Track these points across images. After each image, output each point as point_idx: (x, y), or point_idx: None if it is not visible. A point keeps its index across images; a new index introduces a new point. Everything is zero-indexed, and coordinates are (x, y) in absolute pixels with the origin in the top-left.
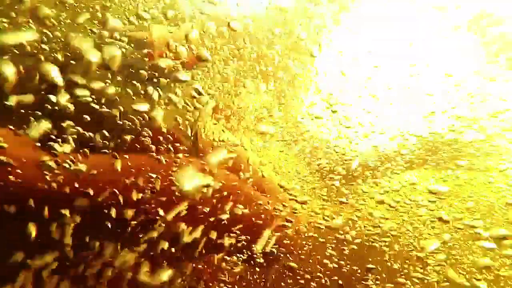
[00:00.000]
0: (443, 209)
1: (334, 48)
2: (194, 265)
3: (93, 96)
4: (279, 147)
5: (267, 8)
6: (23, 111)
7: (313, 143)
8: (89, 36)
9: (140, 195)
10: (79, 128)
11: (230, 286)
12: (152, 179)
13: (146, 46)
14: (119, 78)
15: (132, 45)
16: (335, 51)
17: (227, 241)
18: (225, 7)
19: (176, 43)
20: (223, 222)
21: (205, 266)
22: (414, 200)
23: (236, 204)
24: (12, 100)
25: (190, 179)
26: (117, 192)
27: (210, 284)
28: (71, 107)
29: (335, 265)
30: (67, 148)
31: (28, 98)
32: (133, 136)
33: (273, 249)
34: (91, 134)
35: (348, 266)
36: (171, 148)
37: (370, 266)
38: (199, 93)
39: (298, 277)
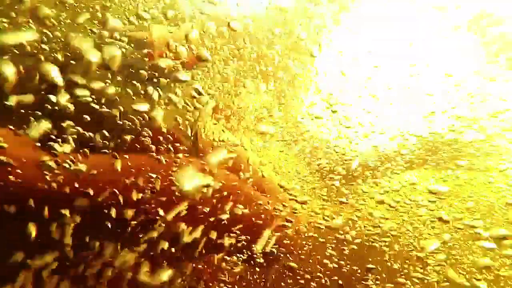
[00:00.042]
0: (443, 209)
1: (334, 48)
2: (194, 265)
3: (93, 96)
4: (279, 147)
5: (267, 8)
6: (23, 111)
7: (313, 143)
8: (89, 36)
9: (140, 195)
10: (79, 128)
11: (230, 286)
12: (152, 179)
13: (146, 46)
14: (119, 78)
15: (132, 45)
16: (335, 51)
17: (227, 241)
18: (225, 7)
19: (176, 43)
20: (223, 222)
21: (205, 266)
22: (414, 200)
23: (236, 204)
24: (12, 100)
25: (190, 179)
26: (117, 192)
27: (210, 284)
28: (71, 107)
29: (335, 265)
30: (67, 148)
31: (28, 98)
32: (133, 136)
33: (273, 249)
34: (91, 134)
35: (348, 266)
36: (171, 148)
37: (370, 266)
38: (199, 93)
39: (298, 277)
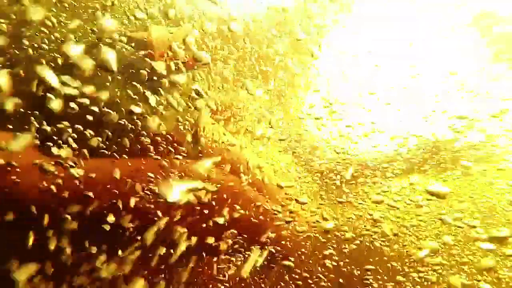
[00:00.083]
0: (443, 209)
1: (334, 48)
2: (193, 266)
3: (92, 99)
4: (278, 147)
5: (267, 8)
6: (21, 114)
7: (313, 143)
8: (89, 37)
9: (139, 196)
10: (78, 130)
11: (229, 286)
12: (152, 181)
13: (146, 47)
14: (119, 79)
15: (132, 45)
16: (335, 51)
17: (226, 242)
18: (225, 7)
19: (177, 43)
20: (222, 223)
21: (205, 267)
22: (414, 200)
23: (235, 206)
24: (9, 104)
25: (174, 191)
26: (117, 194)
27: (210, 286)
28: (69, 110)
29: (335, 265)
30: (66, 151)
31: (26, 101)
32: (132, 138)
33: (273, 250)
34: (89, 136)
35: (348, 266)
36: (171, 150)
37: (369, 266)
38: (199, 94)
39: (297, 277)
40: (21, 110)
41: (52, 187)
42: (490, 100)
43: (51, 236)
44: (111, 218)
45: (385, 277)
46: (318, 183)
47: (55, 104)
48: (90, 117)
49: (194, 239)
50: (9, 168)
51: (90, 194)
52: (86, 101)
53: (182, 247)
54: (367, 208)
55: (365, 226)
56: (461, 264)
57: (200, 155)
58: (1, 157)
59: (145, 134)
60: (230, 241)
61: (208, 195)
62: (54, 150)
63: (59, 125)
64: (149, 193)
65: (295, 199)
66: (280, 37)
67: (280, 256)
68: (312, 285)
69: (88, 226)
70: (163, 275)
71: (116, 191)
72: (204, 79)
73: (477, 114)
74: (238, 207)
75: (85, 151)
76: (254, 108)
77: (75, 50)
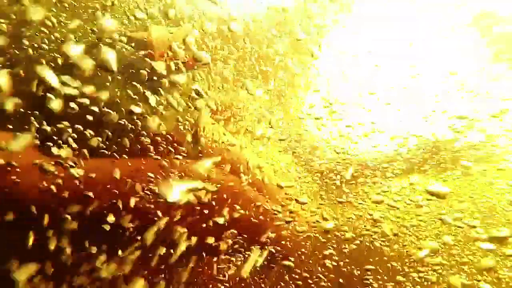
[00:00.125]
0: (443, 209)
1: (334, 48)
2: (193, 266)
3: (92, 99)
4: (278, 147)
5: (267, 8)
6: (21, 114)
7: (313, 143)
8: (89, 37)
9: (139, 196)
10: (78, 130)
11: (229, 286)
12: (152, 181)
13: (146, 47)
14: (119, 79)
15: (133, 45)
16: (335, 51)
17: (226, 242)
18: (225, 7)
19: (177, 43)
20: (222, 223)
21: (205, 267)
22: (414, 200)
23: (235, 206)
24: (9, 104)
25: (174, 191)
26: (116, 194)
27: (210, 286)
28: (69, 110)
29: (335, 265)
30: (66, 151)
31: (26, 101)
32: (132, 138)
33: (273, 250)
34: (89, 136)
35: (348, 266)
36: (172, 150)
37: (369, 266)
38: (199, 94)
39: (297, 277)
40: (21, 110)
41: (52, 187)
42: (490, 100)
43: (51, 236)
44: (111, 218)
45: (385, 277)
46: (318, 183)
47: (55, 104)
48: (90, 117)
49: (194, 239)
50: (9, 168)
51: (90, 194)
52: (86, 101)
53: (182, 247)
54: (367, 208)
55: (365, 226)
56: (461, 264)
57: (200, 155)
58: (1, 157)
59: (145, 134)
60: (230, 241)
61: (208, 195)
62: (54, 150)
63: (59, 125)
64: (149, 193)
65: (295, 199)
66: (280, 37)
67: (280, 256)
68: (312, 285)
69: (88, 226)
70: (163, 275)
71: (116, 191)
72: (204, 79)
73: (477, 114)
74: (238, 207)
75: (85, 151)
76: (254, 108)
77: (75, 50)
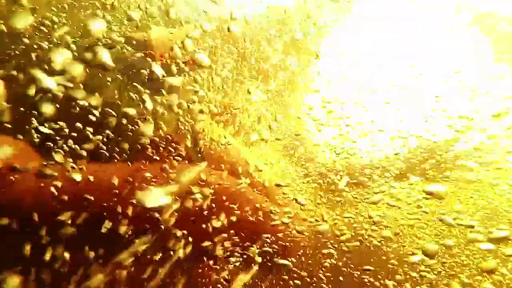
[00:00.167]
0: (443, 209)
1: (334, 48)
2: (192, 267)
3: (90, 101)
4: (278, 147)
5: (267, 8)
6: (18, 117)
7: (313, 143)
8: (87, 37)
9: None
10: (76, 133)
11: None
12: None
13: (146, 47)
14: (119, 80)
15: (132, 46)
16: (335, 51)
17: (225, 243)
18: (225, 7)
19: (177, 43)
20: (221, 224)
21: (204, 269)
22: (414, 200)
23: (234, 207)
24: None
25: (152, 197)
26: (115, 198)
27: (210, 287)
28: (67, 113)
29: (334, 265)
30: (64, 154)
31: (22, 104)
32: (131, 141)
33: (272, 250)
34: (88, 139)
35: (348, 266)
36: (172, 151)
37: (369, 266)
38: (199, 96)
39: (297, 277)
40: (18, 113)
41: (50, 190)
42: (490, 100)
43: (47, 240)
44: (108, 222)
45: (385, 277)
46: (317, 183)
47: (52, 107)
48: (88, 120)
49: (192, 241)
50: (5, 172)
51: (88, 197)
52: (85, 103)
53: (181, 248)
54: (367, 208)
55: (364, 226)
56: (461, 265)
57: (199, 155)
58: None
59: (144, 136)
60: (228, 242)
61: (208, 197)
62: (52, 153)
63: (56, 128)
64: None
65: (294, 199)
66: (280, 37)
67: (279, 256)
68: (312, 285)
69: (84, 231)
70: (161, 277)
71: (114, 194)
72: (204, 80)
73: (477, 114)
74: (236, 208)
75: (84, 153)
76: (254, 108)
77: (72, 50)
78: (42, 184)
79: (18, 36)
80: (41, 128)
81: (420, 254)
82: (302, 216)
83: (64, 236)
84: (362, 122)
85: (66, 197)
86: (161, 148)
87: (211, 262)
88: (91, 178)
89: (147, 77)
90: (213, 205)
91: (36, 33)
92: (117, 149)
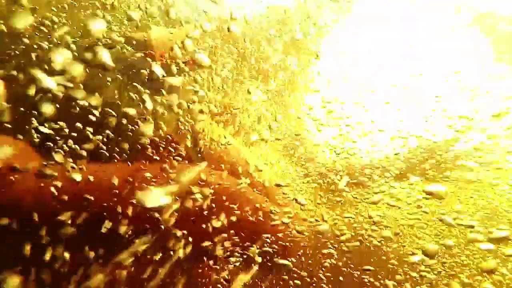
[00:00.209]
0: (443, 209)
1: (334, 48)
2: (191, 267)
3: (90, 101)
4: (278, 147)
5: (267, 8)
6: (18, 117)
7: (313, 143)
8: (87, 37)
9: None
10: (76, 133)
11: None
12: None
13: (146, 47)
14: (119, 80)
15: (132, 46)
16: (335, 51)
17: (225, 243)
18: (225, 7)
19: (177, 43)
20: (221, 224)
21: (204, 269)
22: (414, 200)
23: (234, 207)
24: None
25: (152, 197)
26: (115, 198)
27: (210, 287)
28: (67, 113)
29: (335, 265)
30: (64, 154)
31: (22, 104)
32: (131, 141)
33: (272, 250)
34: (88, 139)
35: (348, 266)
36: (172, 151)
37: (369, 266)
38: (199, 96)
39: (297, 277)
40: (18, 113)
41: (50, 190)
42: (490, 100)
43: (47, 240)
44: (108, 222)
45: (385, 277)
46: (317, 183)
47: (52, 107)
48: (88, 120)
49: (192, 241)
50: (5, 172)
51: (88, 197)
52: (85, 103)
53: (181, 248)
54: (367, 208)
55: (364, 226)
56: (461, 265)
57: (199, 155)
58: None
59: (144, 136)
60: (228, 242)
61: (208, 197)
62: (52, 153)
63: (56, 128)
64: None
65: (294, 199)
66: (280, 37)
67: (279, 256)
68: (312, 285)
69: (84, 231)
70: (161, 277)
71: (114, 194)
72: (204, 80)
73: (477, 114)
74: (236, 208)
75: (84, 153)
76: (254, 108)
77: (72, 50)
78: (42, 184)
79: (18, 36)
80: (41, 128)
81: (420, 254)
82: (302, 216)
83: (64, 236)
84: (362, 122)
85: (66, 197)
86: (161, 148)
87: (211, 262)
88: (91, 178)
89: (147, 77)
90: (213, 205)
91: (36, 33)
92: (117, 149)
